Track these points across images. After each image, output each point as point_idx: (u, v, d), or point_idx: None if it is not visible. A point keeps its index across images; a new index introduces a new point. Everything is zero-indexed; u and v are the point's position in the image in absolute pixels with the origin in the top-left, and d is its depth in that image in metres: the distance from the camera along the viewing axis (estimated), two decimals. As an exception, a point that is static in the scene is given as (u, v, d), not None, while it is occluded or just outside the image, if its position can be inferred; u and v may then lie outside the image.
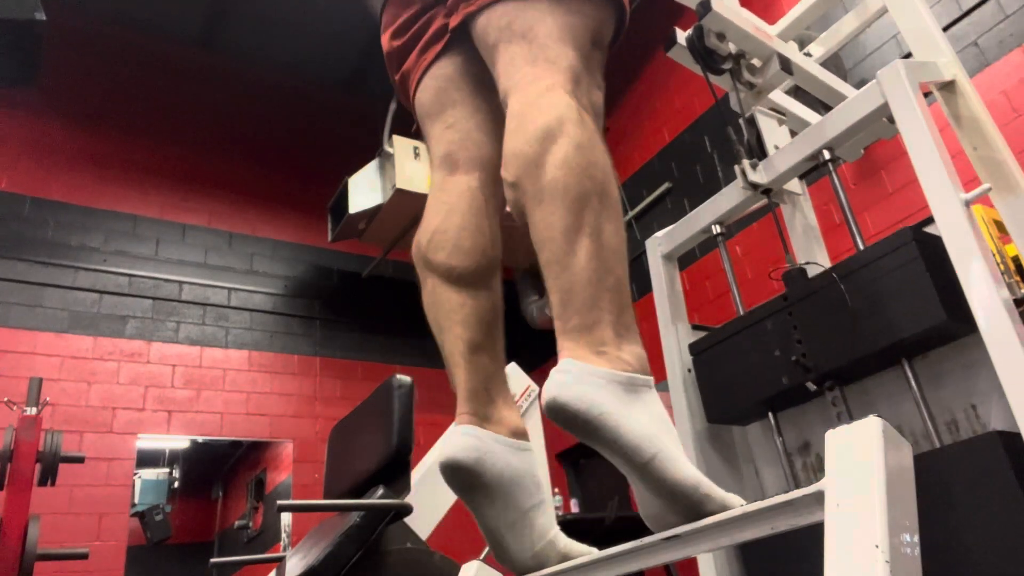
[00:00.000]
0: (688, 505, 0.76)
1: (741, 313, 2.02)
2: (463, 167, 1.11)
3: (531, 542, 0.94)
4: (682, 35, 2.02)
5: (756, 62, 2.00)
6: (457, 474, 0.94)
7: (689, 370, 2.00)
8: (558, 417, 0.80)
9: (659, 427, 0.80)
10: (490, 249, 1.07)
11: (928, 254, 1.49)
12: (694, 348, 2.00)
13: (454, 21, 1.06)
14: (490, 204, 1.10)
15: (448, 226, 1.06)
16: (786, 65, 1.96)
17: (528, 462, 0.98)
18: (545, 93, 0.91)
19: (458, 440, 0.95)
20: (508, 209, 0.96)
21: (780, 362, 1.72)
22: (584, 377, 0.79)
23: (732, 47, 1.93)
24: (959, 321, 1.41)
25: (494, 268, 1.07)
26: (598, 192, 0.86)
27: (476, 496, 0.94)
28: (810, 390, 1.69)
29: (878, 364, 1.64)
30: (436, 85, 1.13)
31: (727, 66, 1.94)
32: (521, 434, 1.00)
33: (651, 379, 0.84)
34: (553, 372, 0.82)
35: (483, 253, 1.05)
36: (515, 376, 3.04)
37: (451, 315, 1.03)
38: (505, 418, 1.00)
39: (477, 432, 0.96)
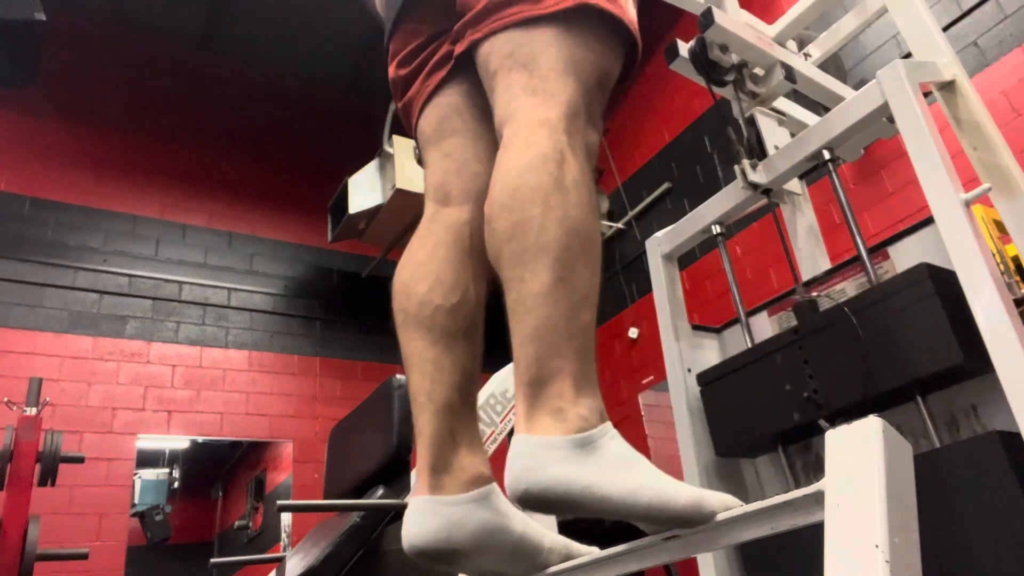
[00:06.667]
0: (694, 524, 0.76)
1: (741, 313, 2.02)
2: (456, 199, 1.08)
3: (531, 560, 0.93)
4: (684, 46, 2.00)
5: (759, 71, 1.98)
6: (431, 559, 0.90)
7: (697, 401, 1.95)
8: (537, 507, 0.77)
9: (633, 468, 0.78)
10: (473, 287, 1.02)
11: (944, 291, 1.45)
12: (702, 378, 1.97)
13: (459, 48, 1.03)
14: (479, 240, 1.03)
15: (432, 258, 1.03)
16: (790, 74, 1.95)
17: (495, 507, 0.92)
18: (536, 128, 0.88)
19: (420, 524, 0.90)
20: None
21: (791, 397, 1.69)
22: (546, 455, 0.76)
23: (735, 57, 1.92)
24: (976, 361, 1.38)
25: (477, 307, 1.03)
26: (575, 234, 0.82)
27: (459, 563, 0.91)
28: (823, 428, 1.65)
29: (891, 400, 1.62)
30: (438, 113, 1.11)
31: (730, 78, 1.92)
32: (483, 479, 0.94)
33: (608, 425, 0.81)
34: (511, 458, 0.78)
35: (465, 290, 1.01)
36: (511, 378, 3.03)
37: (423, 352, 0.98)
38: (466, 466, 0.93)
39: (436, 507, 0.90)
